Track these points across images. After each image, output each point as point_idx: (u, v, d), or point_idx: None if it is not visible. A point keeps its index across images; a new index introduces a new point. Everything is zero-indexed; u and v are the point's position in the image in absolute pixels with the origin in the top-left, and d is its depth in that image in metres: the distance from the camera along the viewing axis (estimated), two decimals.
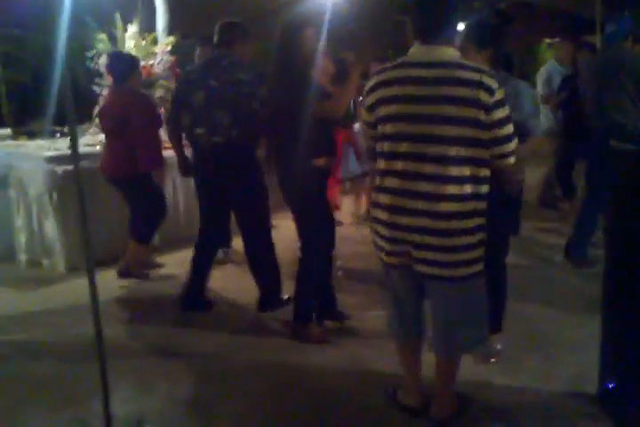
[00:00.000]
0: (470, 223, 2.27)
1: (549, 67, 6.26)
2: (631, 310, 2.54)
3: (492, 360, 3.20)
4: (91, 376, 2.63)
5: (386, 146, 2.36)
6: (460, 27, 3.66)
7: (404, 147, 2.28)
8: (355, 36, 4.77)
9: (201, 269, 3.96)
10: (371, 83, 2.38)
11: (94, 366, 2.48)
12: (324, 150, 3.30)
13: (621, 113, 4.15)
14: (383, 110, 2.32)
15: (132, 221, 4.50)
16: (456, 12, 2.30)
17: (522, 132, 2.96)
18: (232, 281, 4.45)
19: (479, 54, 2.92)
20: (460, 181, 2.22)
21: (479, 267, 2.37)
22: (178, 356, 3.38)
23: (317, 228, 3.40)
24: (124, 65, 4.37)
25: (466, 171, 2.22)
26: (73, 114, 2.72)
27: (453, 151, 2.20)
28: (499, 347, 3.25)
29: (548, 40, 8.58)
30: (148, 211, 4.47)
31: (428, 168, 2.23)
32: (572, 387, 2.93)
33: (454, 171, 2.21)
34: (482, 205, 2.29)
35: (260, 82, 3.57)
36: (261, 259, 3.88)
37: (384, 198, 2.37)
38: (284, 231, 4.12)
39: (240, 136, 3.61)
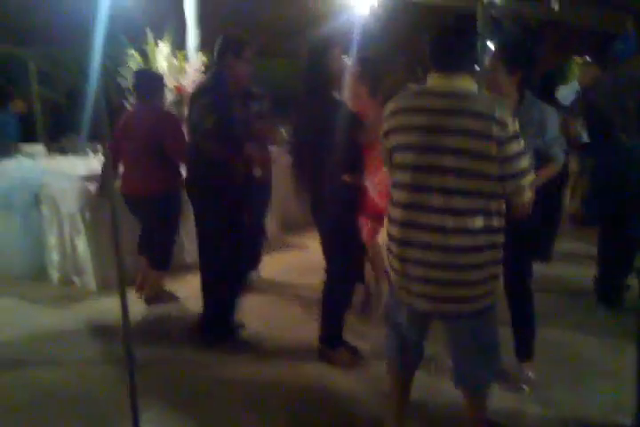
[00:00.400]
0: (481, 258, 2.22)
1: (569, 90, 6.07)
2: None
3: (525, 388, 3.14)
4: (120, 396, 2.63)
5: (397, 175, 2.33)
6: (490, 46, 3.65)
7: (412, 177, 2.25)
8: (385, 55, 4.79)
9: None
10: (388, 109, 2.34)
11: (124, 385, 2.49)
12: (353, 168, 3.28)
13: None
14: (396, 139, 2.29)
15: (154, 248, 4.39)
16: (474, 44, 2.30)
17: (544, 159, 2.99)
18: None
19: (509, 77, 2.90)
20: (469, 214, 2.18)
21: (490, 300, 2.32)
22: (205, 379, 3.36)
23: (344, 250, 3.37)
24: (151, 82, 4.36)
25: (475, 204, 2.18)
26: (107, 131, 2.76)
27: (461, 184, 2.16)
28: (530, 375, 3.18)
29: (577, 59, 8.50)
30: (167, 233, 4.37)
31: (436, 200, 2.19)
32: (606, 418, 2.86)
33: (463, 204, 2.17)
34: (494, 238, 2.24)
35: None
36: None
37: (393, 230, 2.35)
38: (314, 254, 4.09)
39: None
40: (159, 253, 4.38)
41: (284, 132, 4.50)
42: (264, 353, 3.66)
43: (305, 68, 3.24)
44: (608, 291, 4.31)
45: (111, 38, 5.62)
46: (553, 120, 2.99)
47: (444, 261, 2.20)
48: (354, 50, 3.82)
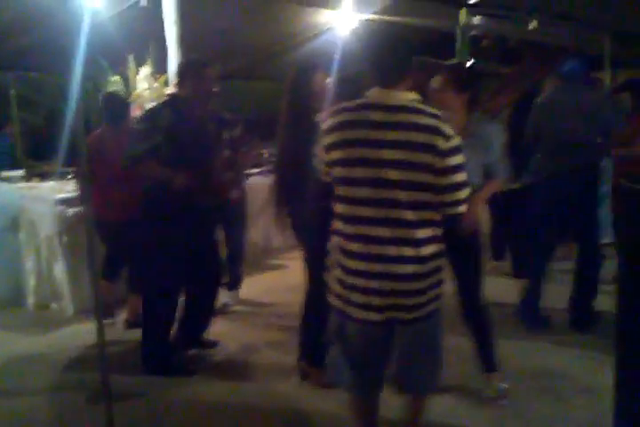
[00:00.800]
0: (426, 267, 2.26)
1: None
2: None
3: (503, 403, 3.14)
4: (97, 422, 2.58)
5: (340, 190, 2.32)
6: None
7: (357, 191, 2.25)
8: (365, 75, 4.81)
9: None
10: (328, 124, 2.32)
11: (100, 411, 2.44)
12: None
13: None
14: (339, 153, 2.27)
15: (131, 271, 4.38)
16: (412, 57, 2.30)
17: (490, 175, 3.14)
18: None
19: (458, 96, 3.03)
20: (415, 226, 2.21)
21: (436, 305, 2.37)
22: (183, 402, 3.31)
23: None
24: (122, 106, 4.37)
25: (421, 216, 2.23)
26: (84, 156, 2.73)
27: (407, 196, 2.18)
28: (504, 386, 3.20)
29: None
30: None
31: (383, 213, 2.21)
32: None
33: (407, 216, 2.20)
34: (440, 247, 2.31)
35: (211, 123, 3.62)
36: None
37: (338, 242, 2.34)
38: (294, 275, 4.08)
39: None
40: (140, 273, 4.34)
41: (264, 153, 4.51)
42: (240, 375, 3.63)
43: (287, 91, 3.25)
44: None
45: (92, 63, 5.65)
46: (499, 138, 3.13)
47: (389, 271, 2.22)
48: (335, 70, 3.84)
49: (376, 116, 2.21)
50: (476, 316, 3.24)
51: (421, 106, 2.23)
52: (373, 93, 2.28)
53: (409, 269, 2.23)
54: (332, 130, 2.30)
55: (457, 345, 3.27)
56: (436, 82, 3.08)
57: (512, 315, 4.25)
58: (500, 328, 3.34)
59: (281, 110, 3.30)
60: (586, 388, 3.32)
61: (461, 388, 3.33)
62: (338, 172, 2.30)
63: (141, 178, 3.58)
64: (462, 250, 3.11)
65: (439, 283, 2.35)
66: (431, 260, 2.26)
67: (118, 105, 4.36)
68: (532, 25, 7.31)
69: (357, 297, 2.30)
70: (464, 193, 2.25)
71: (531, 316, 4.29)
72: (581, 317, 4.26)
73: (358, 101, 2.30)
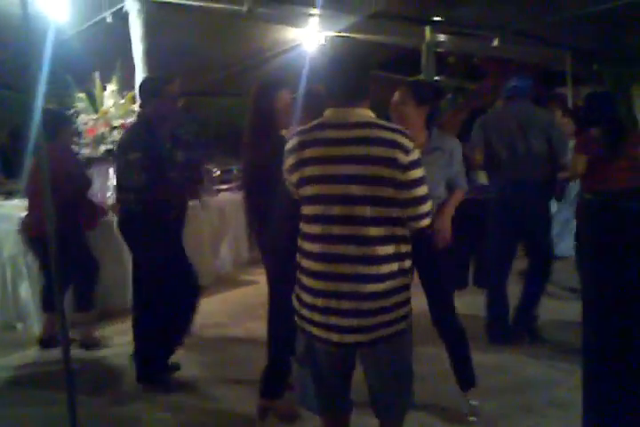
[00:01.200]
0: (390, 284, 2.21)
1: None
2: (612, 368, 2.49)
3: (472, 419, 3.14)
4: None
5: (305, 209, 2.31)
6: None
7: (319, 209, 2.24)
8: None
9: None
10: (290, 144, 2.33)
11: None
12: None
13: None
14: (302, 172, 2.27)
15: (47, 289, 4.26)
16: (367, 76, 2.32)
17: (452, 188, 3.22)
18: None
19: (417, 110, 3.06)
20: (377, 242, 2.18)
21: (403, 326, 2.29)
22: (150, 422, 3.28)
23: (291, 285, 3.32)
24: (52, 121, 4.20)
25: (384, 231, 2.19)
26: (46, 173, 2.69)
27: (370, 212, 2.16)
28: (474, 403, 3.20)
29: None
30: (85, 272, 4.31)
31: (347, 230, 2.19)
32: None
33: (371, 231, 2.17)
34: (403, 264, 2.25)
35: (173, 141, 3.62)
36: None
37: (303, 262, 2.31)
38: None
39: (134, 200, 3.58)
40: (82, 290, 4.35)
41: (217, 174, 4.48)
42: (203, 397, 3.60)
43: (251, 108, 3.23)
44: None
45: (57, 79, 5.58)
46: (459, 151, 3.21)
47: (352, 291, 2.19)
48: (301, 86, 3.86)
49: (332, 133, 2.22)
50: (449, 331, 3.21)
51: (379, 121, 2.23)
52: (328, 113, 2.29)
53: (369, 287, 2.18)
54: (291, 151, 2.31)
55: (433, 358, 3.28)
56: (396, 96, 3.13)
57: (481, 327, 4.26)
58: (471, 342, 3.33)
59: (245, 127, 3.28)
60: (557, 400, 3.34)
61: (435, 404, 3.32)
62: (302, 191, 2.30)
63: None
64: (432, 264, 3.11)
65: (404, 302, 2.28)
66: (393, 278, 2.21)
67: (49, 122, 4.26)
68: (496, 42, 7.46)
69: (319, 317, 2.26)
70: (427, 206, 2.25)
71: (497, 329, 4.32)
72: (518, 329, 4.33)
73: (314, 122, 2.31)
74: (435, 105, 3.17)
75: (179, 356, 3.93)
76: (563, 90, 9.07)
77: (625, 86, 9.17)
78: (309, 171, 2.25)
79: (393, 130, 2.19)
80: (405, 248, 2.27)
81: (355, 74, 2.29)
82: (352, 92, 2.26)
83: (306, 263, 2.30)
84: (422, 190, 2.21)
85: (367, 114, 2.26)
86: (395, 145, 2.13)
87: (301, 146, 2.27)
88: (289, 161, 2.32)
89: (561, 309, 4.61)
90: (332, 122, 2.26)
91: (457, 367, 3.25)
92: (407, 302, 2.30)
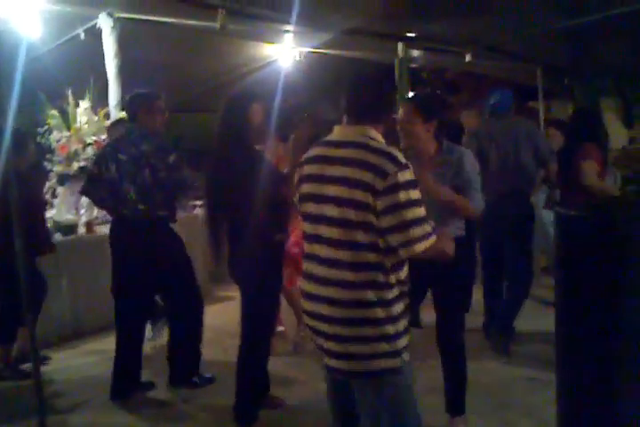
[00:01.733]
0: (367, 313, 2.08)
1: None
2: (585, 375, 2.51)
3: None
4: None
5: (302, 226, 2.31)
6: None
7: (308, 228, 2.24)
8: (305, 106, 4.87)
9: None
10: (300, 160, 2.34)
11: None
12: (278, 227, 3.23)
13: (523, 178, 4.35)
14: (300, 189, 2.27)
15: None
16: (381, 97, 2.26)
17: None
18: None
19: (425, 125, 2.96)
20: (353, 267, 2.08)
21: (388, 364, 2.12)
22: None
23: (265, 309, 3.29)
24: (15, 143, 4.16)
25: (357, 257, 2.08)
26: (15, 191, 2.66)
27: (345, 235, 2.08)
28: None
29: None
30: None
31: (327, 251, 2.14)
32: None
33: (347, 256, 2.09)
34: (383, 294, 2.09)
35: (165, 152, 3.58)
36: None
37: (300, 282, 2.33)
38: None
39: (147, 209, 3.58)
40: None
41: None
42: (176, 416, 3.55)
43: (222, 121, 3.20)
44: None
45: (29, 96, 5.54)
46: (468, 158, 3.05)
47: (331, 315, 2.13)
48: (276, 101, 3.87)
49: (325, 151, 2.21)
50: (452, 353, 3.14)
51: (371, 142, 2.13)
52: (335, 130, 2.28)
53: (339, 312, 2.11)
54: (299, 167, 2.31)
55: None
56: (400, 114, 3.01)
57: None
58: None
59: (214, 141, 3.24)
60: (531, 410, 3.34)
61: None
62: (300, 208, 2.29)
63: None
64: (444, 282, 3.02)
65: (391, 337, 2.10)
66: (367, 306, 2.08)
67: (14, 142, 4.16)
68: (468, 57, 7.56)
69: (314, 338, 2.27)
70: (418, 231, 2.04)
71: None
72: (497, 337, 4.38)
73: (325, 139, 2.29)
74: (443, 116, 3.07)
75: (154, 374, 3.88)
76: (534, 104, 9.21)
77: (595, 100, 9.33)
78: (303, 188, 2.25)
79: (380, 153, 2.08)
80: (385, 278, 2.10)
81: (368, 94, 2.23)
82: (361, 111, 2.21)
83: (300, 282, 2.30)
84: (412, 213, 2.03)
85: (366, 133, 2.17)
86: (372, 168, 2.03)
87: (303, 162, 2.28)
88: (295, 177, 2.33)
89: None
90: (333, 140, 2.24)
91: (450, 391, 3.16)
92: (395, 336, 2.12)
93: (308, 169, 2.23)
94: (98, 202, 3.96)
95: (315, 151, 2.27)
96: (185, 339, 3.83)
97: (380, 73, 2.63)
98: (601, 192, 4.11)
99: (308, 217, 2.22)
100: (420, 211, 2.07)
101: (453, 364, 3.14)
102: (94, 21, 5.51)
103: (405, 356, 2.15)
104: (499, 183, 4.27)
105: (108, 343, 4.65)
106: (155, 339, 4.55)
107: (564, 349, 2.64)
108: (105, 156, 3.69)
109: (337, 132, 2.26)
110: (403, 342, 2.14)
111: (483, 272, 4.62)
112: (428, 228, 2.08)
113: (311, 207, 2.19)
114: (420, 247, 2.06)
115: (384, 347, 2.10)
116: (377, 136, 2.18)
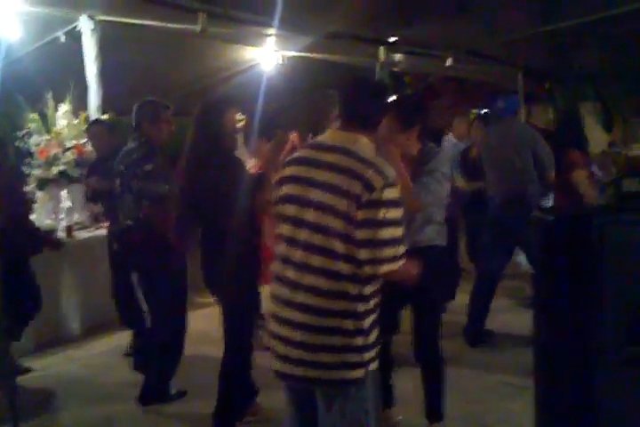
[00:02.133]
0: (333, 322, 2.04)
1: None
2: (561, 380, 2.53)
3: None
4: None
5: (277, 227, 2.23)
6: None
7: (285, 230, 2.16)
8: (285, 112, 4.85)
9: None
10: (284, 160, 2.32)
11: None
12: (253, 235, 3.21)
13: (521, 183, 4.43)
14: (281, 190, 2.21)
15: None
16: (381, 105, 2.26)
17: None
18: None
19: (407, 131, 2.94)
20: (327, 275, 2.03)
21: (349, 375, 2.06)
22: None
23: (243, 315, 3.26)
24: None
25: (329, 264, 2.03)
26: None
27: (322, 241, 2.03)
28: None
29: (474, 111, 8.99)
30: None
31: (298, 254, 2.09)
32: None
33: (321, 263, 2.04)
34: (353, 306, 2.05)
35: (145, 160, 3.53)
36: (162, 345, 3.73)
37: (271, 285, 2.24)
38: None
39: (146, 221, 3.53)
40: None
41: None
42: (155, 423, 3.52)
43: (197, 128, 3.16)
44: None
45: (8, 99, 5.47)
46: (442, 158, 3.07)
47: (303, 322, 2.06)
48: (256, 104, 3.86)
49: (313, 154, 2.17)
50: (429, 359, 3.13)
51: (360, 150, 2.09)
52: (326, 133, 2.25)
53: (300, 317, 2.06)
54: (282, 167, 2.27)
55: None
56: (380, 129, 2.97)
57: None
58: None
59: (188, 147, 3.18)
60: (509, 416, 3.36)
61: None
62: (276, 209, 2.23)
63: None
64: (421, 295, 2.96)
65: (359, 348, 2.06)
66: (333, 315, 2.03)
67: None
68: (449, 61, 7.60)
69: (273, 343, 2.18)
70: (390, 251, 1.99)
71: (472, 332, 4.47)
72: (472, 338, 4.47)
73: (312, 141, 2.29)
74: (422, 119, 3.05)
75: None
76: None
77: (575, 104, 9.42)
78: (286, 190, 2.18)
79: (370, 164, 2.03)
80: (358, 289, 2.05)
81: (367, 102, 2.21)
82: (356, 119, 2.18)
83: (271, 285, 2.23)
84: (388, 233, 1.99)
85: (359, 141, 2.12)
86: (361, 180, 1.98)
87: (287, 163, 2.24)
88: (275, 178, 2.29)
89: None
90: (321, 143, 2.21)
91: (430, 399, 3.13)
92: (364, 348, 2.08)
93: (293, 170, 2.18)
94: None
95: (302, 153, 2.25)
96: (160, 351, 3.75)
97: (381, 84, 2.62)
98: (595, 199, 4.28)
99: (287, 219, 2.15)
100: (397, 231, 2.03)
101: (431, 370, 3.14)
102: (75, 24, 5.47)
103: (373, 366, 2.12)
104: (499, 188, 4.39)
105: (89, 349, 4.65)
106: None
107: (541, 353, 2.67)
108: (115, 170, 3.68)
109: (328, 136, 2.24)
110: (371, 354, 2.11)
111: (476, 282, 4.64)
112: (400, 250, 2.04)
113: (291, 209, 2.13)
114: (385, 268, 2.02)
115: (351, 358, 2.06)
116: (368, 145, 2.15)
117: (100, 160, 4.63)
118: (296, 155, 2.26)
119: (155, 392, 3.68)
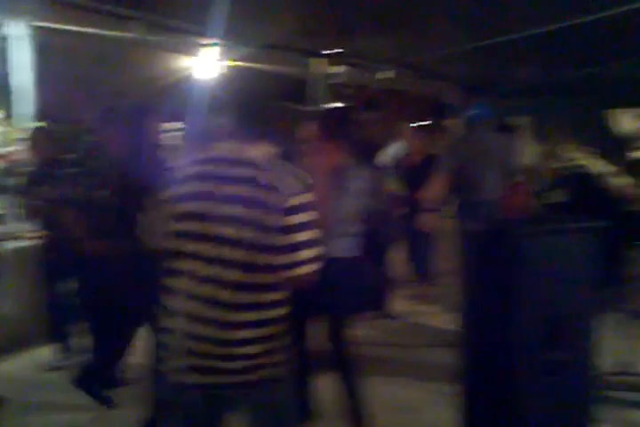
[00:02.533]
0: (247, 333, 2.03)
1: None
2: (486, 385, 2.59)
3: None
4: None
5: (174, 244, 2.14)
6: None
7: (186, 246, 2.09)
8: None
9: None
10: (176, 176, 2.19)
11: None
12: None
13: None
14: (180, 207, 2.12)
15: None
16: (269, 112, 2.26)
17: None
18: None
19: (330, 143, 2.95)
20: (240, 287, 2.03)
21: (271, 373, 2.09)
22: None
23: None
24: None
25: (248, 277, 2.03)
26: None
27: (233, 254, 2.01)
28: None
29: (413, 124, 9.15)
30: None
31: (209, 270, 2.04)
32: None
33: (235, 276, 2.02)
34: (268, 313, 2.07)
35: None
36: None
37: (165, 299, 2.15)
38: None
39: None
40: None
41: None
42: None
43: (118, 137, 3.12)
44: None
45: None
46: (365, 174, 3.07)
47: (206, 334, 2.03)
48: (192, 115, 3.83)
49: (217, 169, 2.09)
50: (342, 360, 3.13)
51: (269, 161, 2.10)
52: (221, 146, 2.19)
53: (219, 334, 2.03)
54: (173, 183, 2.16)
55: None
56: (305, 131, 2.98)
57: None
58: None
59: (108, 157, 3.13)
60: (434, 424, 3.39)
61: None
62: (173, 226, 2.13)
63: None
64: (327, 301, 2.95)
65: (268, 352, 2.07)
66: (249, 327, 2.04)
67: None
68: (390, 75, 7.73)
69: (187, 359, 2.08)
70: (306, 253, 2.03)
71: None
72: None
73: (204, 154, 2.19)
74: (347, 131, 3.06)
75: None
76: (452, 122, 9.48)
77: (510, 118, 9.68)
78: (186, 207, 2.10)
79: (279, 172, 2.05)
80: (273, 296, 2.08)
81: (255, 109, 2.21)
82: (251, 127, 2.17)
83: (172, 301, 2.12)
84: (302, 236, 2.02)
85: (263, 152, 2.13)
86: (264, 187, 2.00)
87: (185, 179, 2.14)
88: (168, 194, 2.16)
89: None
90: (219, 156, 2.15)
91: (351, 410, 3.11)
92: (274, 351, 2.09)
93: (195, 186, 2.10)
94: None
95: (199, 168, 2.14)
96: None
97: (266, 89, 2.61)
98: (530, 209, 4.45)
99: (189, 235, 2.08)
100: (310, 234, 2.05)
101: (349, 379, 3.13)
102: (4, 29, 5.34)
103: (288, 367, 2.15)
104: (478, 192, 4.52)
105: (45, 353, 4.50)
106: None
107: (467, 357, 2.74)
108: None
109: (223, 148, 2.18)
110: (285, 355, 2.13)
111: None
112: (316, 252, 2.07)
113: (194, 226, 2.07)
114: (304, 270, 2.04)
115: (268, 360, 2.07)
116: (272, 155, 2.15)
117: (43, 169, 4.41)
118: (195, 170, 2.15)
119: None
